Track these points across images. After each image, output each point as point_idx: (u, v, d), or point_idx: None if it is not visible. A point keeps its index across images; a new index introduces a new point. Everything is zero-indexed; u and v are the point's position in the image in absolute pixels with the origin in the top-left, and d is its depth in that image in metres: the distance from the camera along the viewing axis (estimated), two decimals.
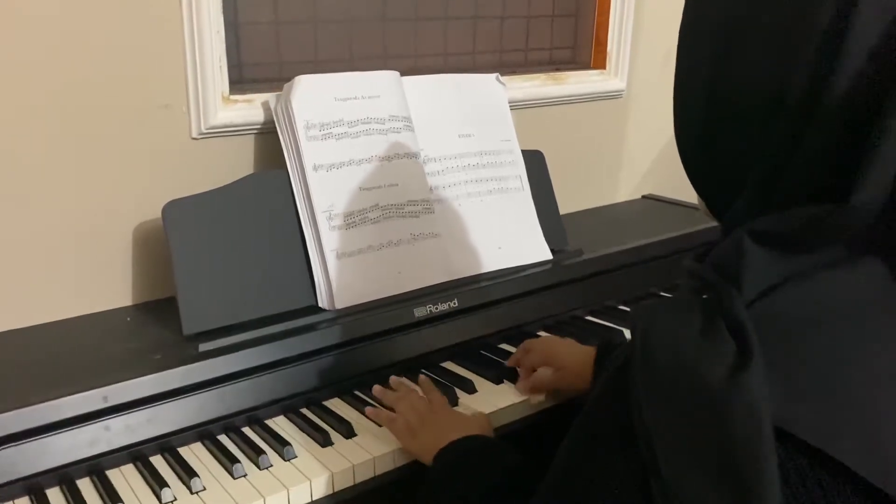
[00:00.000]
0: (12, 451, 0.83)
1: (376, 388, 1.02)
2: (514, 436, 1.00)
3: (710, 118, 0.54)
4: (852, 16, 0.44)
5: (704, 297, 0.49)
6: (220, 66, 1.14)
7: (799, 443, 0.43)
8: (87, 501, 0.84)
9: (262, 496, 0.84)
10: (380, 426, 0.97)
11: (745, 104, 0.51)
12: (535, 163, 1.34)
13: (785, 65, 0.48)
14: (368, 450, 0.92)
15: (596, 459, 0.51)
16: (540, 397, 1.04)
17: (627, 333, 1.22)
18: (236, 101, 1.17)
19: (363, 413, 0.99)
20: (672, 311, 0.50)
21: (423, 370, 1.10)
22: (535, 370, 1.08)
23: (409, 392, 1.00)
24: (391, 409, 0.97)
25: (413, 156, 1.18)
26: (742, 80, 0.51)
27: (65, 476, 0.87)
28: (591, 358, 1.01)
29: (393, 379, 1.05)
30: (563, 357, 1.05)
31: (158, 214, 1.01)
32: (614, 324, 1.26)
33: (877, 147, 0.44)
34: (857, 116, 0.45)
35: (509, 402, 1.03)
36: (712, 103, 0.53)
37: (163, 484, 0.85)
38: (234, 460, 0.89)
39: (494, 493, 0.76)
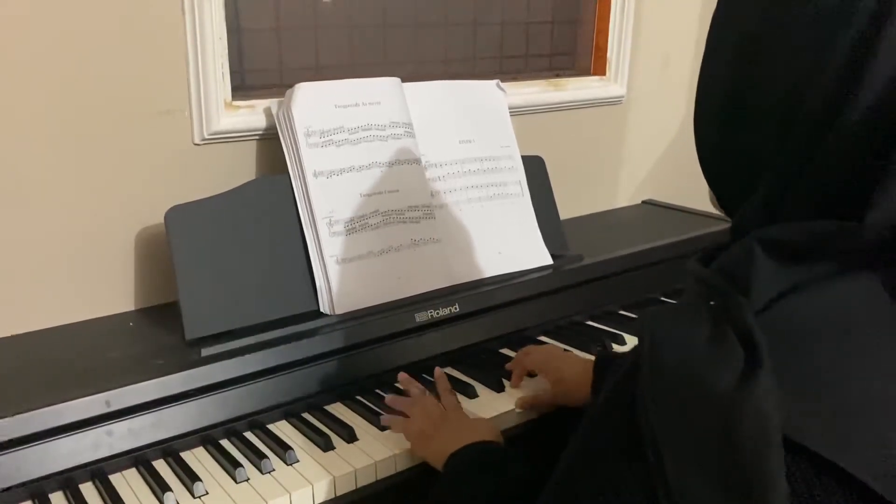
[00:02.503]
0: (16, 456, 0.83)
1: (388, 398, 1.02)
2: (517, 440, 1.00)
3: (729, 117, 0.54)
4: (879, 35, 0.44)
5: (711, 303, 0.49)
6: (223, 72, 1.15)
7: (807, 452, 0.43)
8: None
9: (265, 500, 0.85)
10: (383, 430, 0.97)
11: (765, 109, 0.51)
12: (535, 168, 1.34)
13: (809, 77, 0.48)
14: (370, 454, 0.93)
15: (601, 466, 0.51)
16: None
17: (628, 338, 1.23)
18: (238, 107, 1.18)
19: (365, 417, 1.00)
20: (680, 318, 0.50)
21: (425, 375, 1.10)
22: (529, 373, 1.09)
23: (422, 396, 1.00)
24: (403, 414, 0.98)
25: (414, 162, 1.19)
26: (765, 86, 0.51)
27: (68, 480, 0.87)
28: (589, 370, 1.00)
29: (402, 376, 1.05)
30: (561, 369, 1.04)
31: (161, 220, 1.02)
32: (614, 329, 1.26)
33: (894, 169, 0.44)
34: (877, 135, 0.45)
35: (510, 407, 1.03)
36: (733, 103, 0.53)
37: (165, 488, 0.85)
38: (237, 464, 0.89)
39: (503, 498, 0.76)
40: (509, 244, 1.26)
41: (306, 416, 1.00)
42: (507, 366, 1.11)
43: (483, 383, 1.09)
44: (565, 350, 1.15)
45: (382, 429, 0.97)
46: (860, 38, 0.45)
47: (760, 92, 0.51)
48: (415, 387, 1.03)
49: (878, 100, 0.45)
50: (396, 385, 1.07)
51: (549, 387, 1.05)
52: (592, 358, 1.04)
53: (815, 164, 0.48)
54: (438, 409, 0.95)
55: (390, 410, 1.00)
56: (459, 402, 1.00)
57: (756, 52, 0.51)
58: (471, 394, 1.06)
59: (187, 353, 0.97)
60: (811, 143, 0.48)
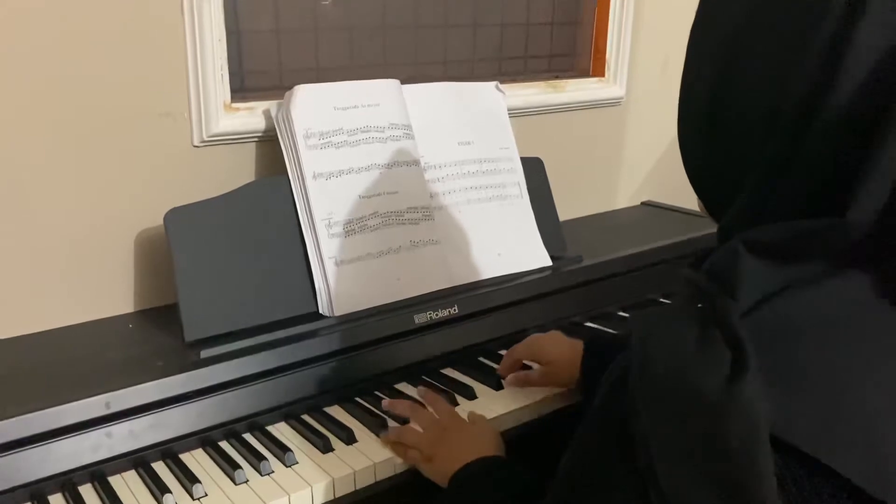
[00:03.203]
0: (15, 458, 0.83)
1: (385, 402, 1.01)
2: (516, 441, 1.01)
3: (711, 121, 0.54)
4: (854, 31, 0.45)
5: (700, 305, 0.50)
6: (222, 74, 1.15)
7: (796, 452, 0.43)
8: None
9: (264, 502, 0.85)
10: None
11: (745, 111, 0.51)
12: (534, 170, 1.34)
13: (786, 76, 0.48)
14: (369, 456, 0.93)
15: (596, 471, 0.51)
16: (537, 397, 1.06)
17: None
18: (238, 108, 1.18)
19: (364, 419, 1.00)
20: (668, 321, 0.51)
21: (424, 376, 1.10)
22: (519, 363, 1.10)
23: (413, 413, 0.97)
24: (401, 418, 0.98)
25: (413, 163, 1.19)
26: (744, 88, 0.51)
27: (67, 482, 0.87)
28: (578, 350, 1.02)
29: (385, 403, 1.01)
30: (549, 352, 1.07)
31: (160, 222, 1.02)
32: (614, 330, 1.26)
33: (875, 163, 0.44)
34: (855, 131, 0.45)
35: (510, 409, 1.03)
36: (715, 107, 0.54)
37: (165, 490, 0.85)
38: (236, 466, 0.89)
39: None
40: (508, 245, 1.27)
41: (305, 417, 1.01)
42: (500, 369, 1.11)
43: (482, 384, 1.09)
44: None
45: (381, 430, 0.97)
46: (838, 30, 0.46)
47: (742, 92, 0.52)
48: (402, 407, 0.99)
49: (857, 92, 0.45)
50: (395, 387, 1.08)
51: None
52: (578, 340, 1.05)
53: (797, 163, 0.48)
54: (434, 425, 0.94)
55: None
56: (453, 409, 0.99)
57: (736, 51, 0.52)
58: (470, 395, 1.06)
59: (187, 355, 0.97)
60: (792, 140, 0.48)
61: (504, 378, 1.09)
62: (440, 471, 0.88)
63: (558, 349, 1.06)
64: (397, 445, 0.94)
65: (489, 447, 0.89)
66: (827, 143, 0.47)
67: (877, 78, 0.45)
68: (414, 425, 0.95)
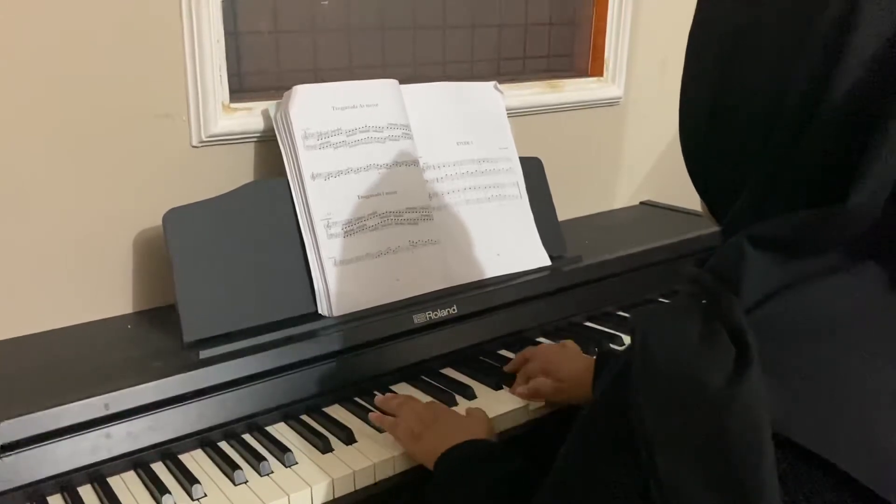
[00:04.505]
0: (14, 459, 0.83)
1: (378, 398, 1.02)
2: (515, 441, 1.01)
3: (713, 120, 0.55)
4: (853, 22, 0.45)
5: (703, 302, 0.50)
6: (221, 75, 1.15)
7: (797, 448, 0.43)
8: None
9: (263, 502, 0.85)
10: (382, 431, 0.97)
11: (746, 107, 0.52)
12: (533, 170, 1.34)
13: (786, 69, 0.48)
14: (369, 456, 0.93)
15: (595, 464, 0.51)
16: (539, 403, 1.05)
17: (626, 339, 1.23)
18: (236, 109, 1.18)
19: (363, 419, 1.00)
20: (671, 317, 0.51)
21: (423, 376, 1.10)
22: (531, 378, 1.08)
23: (410, 397, 1.00)
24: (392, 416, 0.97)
25: (411, 163, 1.19)
26: (745, 85, 0.52)
27: (66, 483, 0.87)
28: (590, 367, 1.01)
29: (379, 398, 1.02)
30: (563, 369, 1.04)
31: (159, 222, 1.02)
32: (613, 330, 1.26)
33: (876, 150, 0.44)
34: (856, 120, 0.46)
35: (509, 408, 1.03)
36: (716, 106, 0.54)
37: (164, 490, 0.85)
38: (235, 467, 0.89)
39: (496, 497, 0.76)
40: (507, 245, 1.27)
41: (305, 418, 1.01)
42: (506, 368, 1.11)
43: (482, 384, 1.09)
44: (563, 343, 1.15)
45: (381, 430, 0.97)
46: (837, 20, 0.46)
47: (743, 89, 0.52)
48: (396, 399, 1.00)
49: (857, 81, 0.46)
50: (394, 388, 1.07)
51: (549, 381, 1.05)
52: (592, 358, 1.04)
53: (798, 157, 0.48)
54: (428, 410, 0.95)
55: (381, 410, 1.00)
56: (444, 405, 0.99)
57: (736, 49, 0.52)
58: (469, 395, 1.06)
59: (186, 356, 0.97)
60: (794, 134, 0.48)
61: (513, 390, 1.07)
62: (426, 449, 0.87)
63: (573, 367, 1.04)
64: (386, 418, 0.95)
65: (480, 433, 0.89)
66: (828, 134, 0.47)
67: (875, 70, 0.45)
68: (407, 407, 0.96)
